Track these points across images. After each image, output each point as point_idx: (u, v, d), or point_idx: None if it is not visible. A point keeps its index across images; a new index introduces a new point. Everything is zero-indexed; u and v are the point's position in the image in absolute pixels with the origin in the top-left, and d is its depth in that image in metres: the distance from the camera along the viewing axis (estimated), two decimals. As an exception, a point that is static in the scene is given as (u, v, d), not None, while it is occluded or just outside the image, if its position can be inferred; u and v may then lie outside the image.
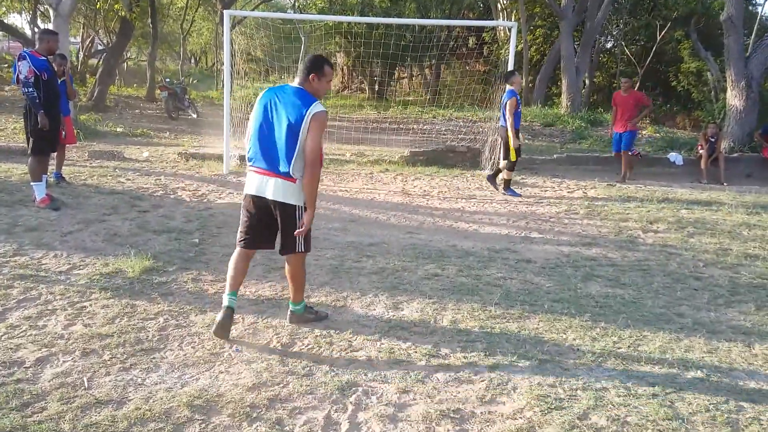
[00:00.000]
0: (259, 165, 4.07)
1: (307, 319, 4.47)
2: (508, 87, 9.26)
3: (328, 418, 3.26)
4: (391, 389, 3.56)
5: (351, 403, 3.41)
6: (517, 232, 7.21)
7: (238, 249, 4.29)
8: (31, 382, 3.45)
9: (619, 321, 4.66)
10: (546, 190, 9.87)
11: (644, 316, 4.80)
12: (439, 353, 4.04)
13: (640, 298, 5.19)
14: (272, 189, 4.04)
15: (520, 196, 9.31)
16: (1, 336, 3.98)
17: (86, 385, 3.45)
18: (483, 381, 3.68)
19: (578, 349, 4.15)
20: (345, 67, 31.90)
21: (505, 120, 9.15)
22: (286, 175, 3.98)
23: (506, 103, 9.05)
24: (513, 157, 9.18)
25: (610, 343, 4.27)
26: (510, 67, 10.43)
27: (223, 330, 4.09)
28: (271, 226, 4.22)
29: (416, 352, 4.05)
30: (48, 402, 3.25)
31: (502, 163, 9.46)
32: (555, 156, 12.55)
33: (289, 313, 4.47)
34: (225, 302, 4.13)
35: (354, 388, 3.56)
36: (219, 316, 4.11)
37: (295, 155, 3.94)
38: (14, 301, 4.55)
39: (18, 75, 6.88)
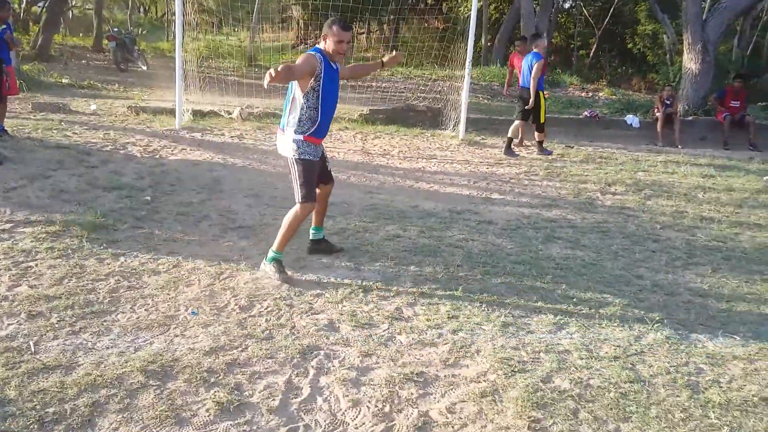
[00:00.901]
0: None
1: (266, 272, 4.48)
2: (533, 49, 9.37)
3: (289, 382, 3.16)
4: (354, 352, 3.49)
5: (312, 367, 3.32)
6: (478, 193, 7.17)
7: None
8: (-28, 347, 3.25)
9: (580, 283, 4.68)
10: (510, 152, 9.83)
11: (604, 278, 4.82)
12: (402, 315, 3.98)
13: (599, 260, 5.22)
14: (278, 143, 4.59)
15: (551, 153, 9.64)
16: (-61, 298, 3.75)
17: (33, 349, 3.27)
18: (446, 344, 3.63)
19: (540, 312, 4.14)
20: (301, 21, 31.10)
21: (527, 82, 9.28)
22: (281, 128, 4.49)
23: (534, 65, 9.12)
24: (543, 118, 9.52)
25: (571, 305, 4.28)
26: (472, 25, 10.25)
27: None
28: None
29: (378, 314, 3.98)
30: (-9, 368, 3.07)
31: (536, 135, 9.70)
32: (514, 117, 12.49)
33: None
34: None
35: (315, 352, 3.47)
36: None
37: (288, 108, 4.38)
38: (-47, 260, 4.29)
39: None
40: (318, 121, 4.35)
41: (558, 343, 3.73)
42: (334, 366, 3.34)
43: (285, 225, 4.48)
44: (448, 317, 3.97)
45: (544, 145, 9.80)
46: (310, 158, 4.42)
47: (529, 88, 9.32)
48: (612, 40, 24.93)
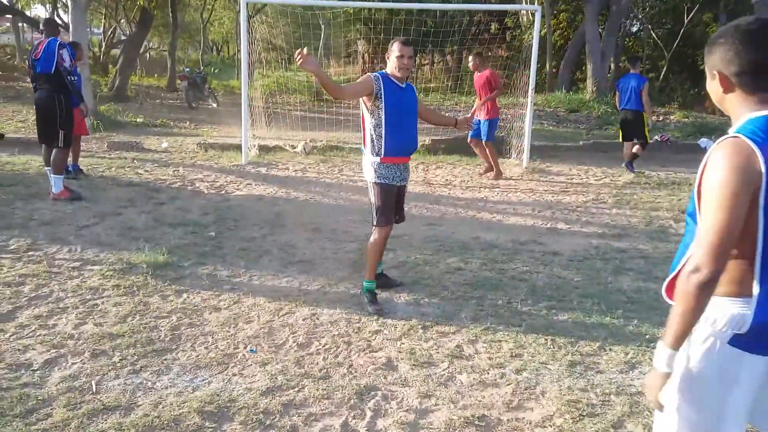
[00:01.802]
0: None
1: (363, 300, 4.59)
2: (633, 71, 9.87)
3: (345, 425, 3.08)
4: (412, 393, 3.38)
5: (369, 408, 3.23)
6: (543, 223, 6.96)
7: None
8: (37, 386, 3.31)
9: (653, 318, 4.42)
10: (572, 178, 9.57)
11: (679, 313, 4.54)
12: (463, 354, 3.84)
13: (674, 293, 4.93)
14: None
15: (634, 172, 9.86)
16: (10, 336, 3.86)
17: (94, 389, 3.31)
18: (510, 384, 3.47)
19: (610, 350, 3.92)
20: (366, 55, 31.62)
21: (639, 104, 9.58)
22: (363, 152, 4.62)
23: (643, 87, 9.53)
24: (648, 138, 10.02)
25: (644, 342, 4.04)
26: (534, 52, 10.11)
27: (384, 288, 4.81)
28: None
29: (438, 352, 3.85)
30: (54, 408, 3.11)
31: (636, 148, 9.88)
32: (581, 143, 12.23)
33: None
34: None
35: (373, 393, 3.38)
36: None
37: (362, 132, 4.51)
38: (25, 298, 4.43)
39: (61, 62, 6.81)
40: (385, 139, 4.41)
41: (630, 384, 3.50)
42: (391, 408, 3.24)
43: (368, 253, 4.63)
44: (512, 356, 3.81)
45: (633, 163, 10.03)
46: (387, 182, 4.50)
47: (632, 110, 9.70)
48: (683, 63, 24.18)
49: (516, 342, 3.98)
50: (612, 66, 22.75)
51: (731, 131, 1.79)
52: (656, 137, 12.71)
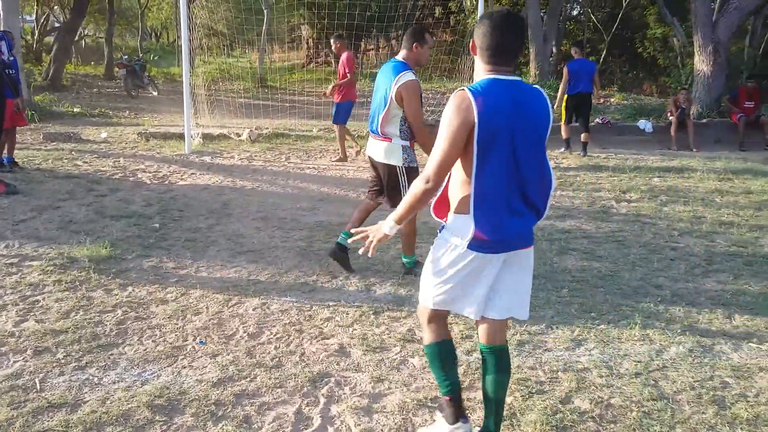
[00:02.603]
0: (370, 129, 4.81)
1: (415, 273, 4.78)
2: (580, 56, 10.58)
3: (299, 413, 3.07)
4: (365, 378, 3.39)
5: (323, 395, 3.23)
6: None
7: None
8: (-23, 387, 3.20)
9: (597, 296, 4.55)
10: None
11: (622, 290, 4.69)
12: (415, 338, 3.88)
13: (617, 271, 5.09)
14: (374, 150, 4.75)
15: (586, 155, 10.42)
16: (-55, 337, 3.71)
17: (38, 387, 3.21)
18: (461, 365, 3.52)
19: (557, 328, 4.02)
20: (310, 40, 31.28)
21: (591, 87, 10.32)
22: (376, 134, 4.66)
23: (595, 71, 10.40)
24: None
25: (589, 320, 4.15)
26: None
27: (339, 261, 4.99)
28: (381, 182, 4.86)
29: (390, 337, 3.88)
30: (-5, 408, 3.01)
31: (585, 135, 10.48)
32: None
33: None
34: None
35: (326, 379, 3.38)
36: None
37: (381, 117, 4.53)
38: (-40, 297, 4.26)
39: None
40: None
41: (576, 361, 3.61)
42: (345, 393, 3.25)
43: (406, 233, 4.83)
44: (462, 337, 3.87)
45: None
46: (416, 164, 4.64)
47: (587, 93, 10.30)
48: (622, 46, 24.75)
49: (466, 323, 4.04)
50: (554, 50, 23.12)
51: (459, 89, 2.46)
52: (597, 120, 13.02)
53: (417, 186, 2.49)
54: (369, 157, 4.90)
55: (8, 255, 5.05)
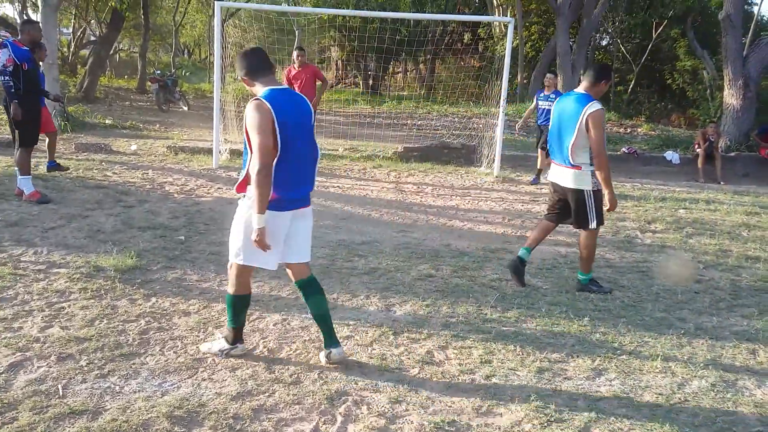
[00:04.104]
0: (553, 158, 5.20)
1: (590, 290, 5.16)
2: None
3: (315, 430, 3.08)
4: (383, 399, 3.39)
5: (340, 413, 3.23)
6: (513, 231, 7.05)
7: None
8: (2, 390, 3.25)
9: (619, 326, 4.50)
10: (542, 188, 9.70)
11: (644, 321, 4.64)
12: (433, 360, 3.87)
13: (639, 302, 5.04)
14: (561, 177, 5.08)
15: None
16: (-27, 339, 3.78)
17: (61, 393, 3.26)
18: (479, 390, 3.51)
19: (578, 357, 3.98)
20: (339, 61, 31.65)
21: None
22: (565, 163, 4.99)
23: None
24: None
25: (610, 350, 4.11)
26: (506, 63, 10.25)
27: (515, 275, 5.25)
28: (566, 206, 5.16)
29: (409, 358, 3.88)
30: (19, 412, 3.06)
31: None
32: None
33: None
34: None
35: (344, 398, 3.39)
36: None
37: (571, 146, 4.86)
38: (-11, 301, 4.35)
39: None
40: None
41: (596, 391, 3.57)
42: (362, 413, 3.25)
43: (587, 251, 5.14)
44: (481, 362, 3.85)
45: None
46: (600, 187, 4.95)
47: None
48: (650, 77, 24.69)
49: (486, 348, 4.03)
50: (581, 79, 23.11)
51: (254, 99, 3.37)
52: (623, 149, 12.96)
53: (256, 177, 3.29)
54: (552, 183, 5.22)
55: (36, 261, 5.16)
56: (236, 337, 3.78)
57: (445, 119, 17.13)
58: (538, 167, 10.01)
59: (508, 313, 4.63)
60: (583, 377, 3.73)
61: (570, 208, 5.10)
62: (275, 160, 3.35)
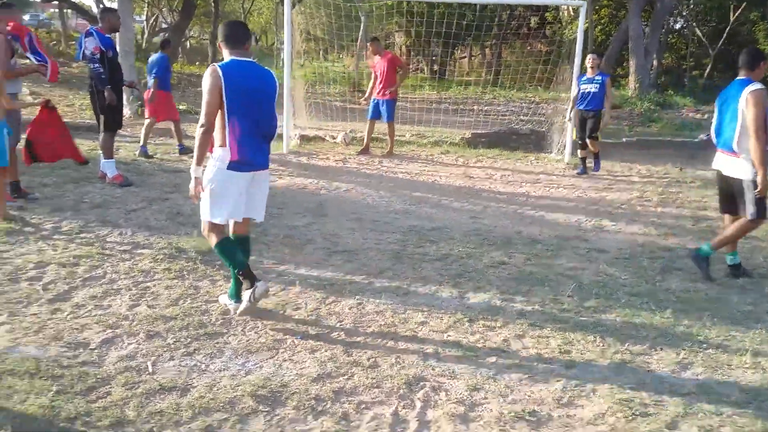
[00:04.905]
0: (717, 145, 5.21)
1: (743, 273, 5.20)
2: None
3: (395, 414, 3.10)
4: (461, 386, 3.38)
5: (419, 399, 3.24)
6: (587, 219, 6.88)
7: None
8: (96, 365, 3.40)
9: (704, 319, 4.34)
10: (616, 175, 9.45)
11: (731, 314, 4.46)
12: (510, 348, 3.83)
13: (725, 294, 4.85)
14: (724, 164, 5.11)
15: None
16: (68, 315, 3.97)
17: (150, 369, 3.38)
18: (559, 381, 3.46)
19: (661, 349, 3.87)
20: (403, 47, 31.53)
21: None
22: (728, 149, 5.00)
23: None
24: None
25: (696, 343, 3.97)
26: (578, 48, 9.98)
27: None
28: (730, 195, 5.14)
29: (485, 346, 3.85)
30: (112, 387, 3.19)
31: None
32: (624, 140, 12.06)
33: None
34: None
35: (421, 383, 3.39)
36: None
37: (736, 133, 4.87)
38: (80, 279, 4.55)
39: (84, 51, 6.90)
40: None
41: (682, 385, 3.46)
42: (441, 399, 3.25)
43: (734, 231, 5.09)
44: (560, 352, 3.79)
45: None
46: None
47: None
48: (728, 60, 23.61)
49: (564, 338, 3.96)
50: (655, 63, 22.32)
51: (211, 65, 3.84)
52: (702, 136, 12.46)
53: (198, 133, 3.74)
54: (717, 171, 5.25)
55: (122, 242, 5.36)
56: (251, 277, 3.96)
57: (512, 105, 16.85)
58: (594, 151, 9.37)
59: (586, 303, 4.53)
60: (667, 371, 3.62)
61: (732, 194, 5.11)
62: (229, 123, 3.76)
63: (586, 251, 5.72)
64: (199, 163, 3.77)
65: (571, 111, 9.77)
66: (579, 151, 9.44)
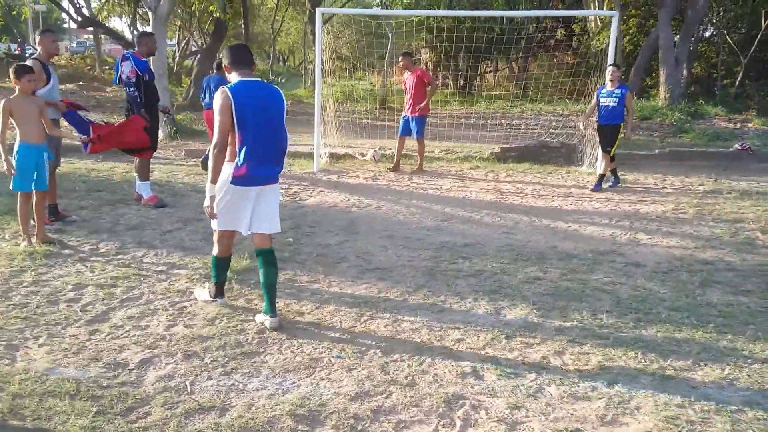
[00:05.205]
0: None
1: None
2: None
3: (435, 433, 3.06)
4: (501, 404, 3.33)
5: (459, 417, 3.20)
6: (622, 233, 6.78)
7: None
8: (135, 386, 3.43)
9: (748, 333, 4.23)
10: (649, 187, 9.31)
11: (776, 329, 4.34)
12: (550, 365, 3.77)
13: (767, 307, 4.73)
14: None
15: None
16: (106, 336, 4.02)
17: (189, 389, 3.40)
18: (601, 398, 3.39)
19: (705, 365, 3.77)
20: (429, 63, 31.62)
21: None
22: None
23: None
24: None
25: (740, 357, 3.87)
26: (610, 58, 9.89)
27: None
28: None
29: (524, 363, 3.80)
30: (152, 407, 3.22)
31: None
32: (656, 151, 11.88)
33: None
34: None
35: (461, 401, 3.35)
36: None
37: None
38: (117, 300, 4.61)
39: (120, 75, 7.04)
40: None
41: (728, 401, 3.36)
42: (481, 417, 3.21)
43: None
44: (601, 368, 3.72)
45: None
46: None
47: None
48: (760, 68, 23.19)
49: (605, 355, 3.88)
50: (685, 72, 22.01)
51: (221, 87, 4.02)
52: (736, 145, 12.25)
53: (213, 153, 3.93)
54: None
55: (158, 263, 5.43)
56: (218, 293, 4.50)
57: (541, 118, 16.74)
58: (600, 172, 9.18)
59: (625, 318, 4.45)
60: (713, 386, 3.53)
61: None
62: (239, 140, 3.94)
63: (623, 265, 5.63)
64: (213, 181, 3.96)
65: (585, 121, 9.72)
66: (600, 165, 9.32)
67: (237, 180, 4.00)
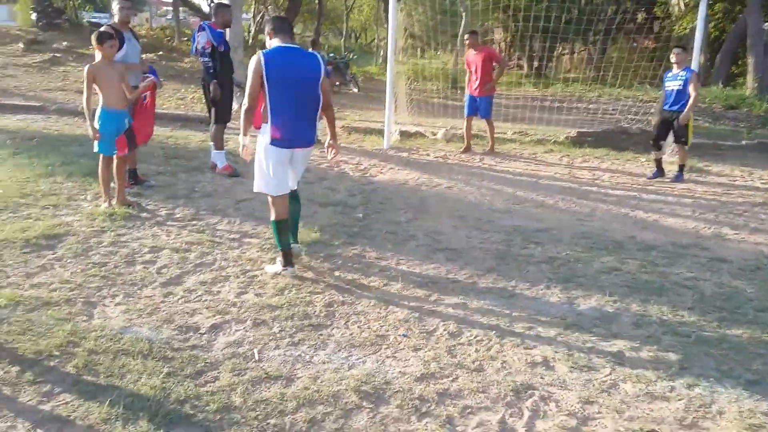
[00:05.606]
0: None
1: None
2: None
3: (502, 422, 2.97)
4: (573, 397, 3.21)
5: (527, 408, 3.10)
6: (706, 226, 6.44)
7: None
8: (205, 350, 3.47)
9: None
10: (735, 180, 8.82)
11: None
12: (625, 360, 3.61)
13: None
14: None
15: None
16: (179, 299, 4.09)
17: (257, 357, 3.42)
18: (681, 399, 3.22)
19: (796, 372, 3.53)
20: (503, 43, 30.94)
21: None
22: None
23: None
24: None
25: (836, 367, 3.61)
26: (697, 44, 9.37)
27: None
28: None
29: (598, 356, 3.64)
30: (220, 372, 3.25)
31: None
32: (744, 142, 11.26)
33: None
34: None
35: (530, 392, 3.25)
36: None
37: None
38: (191, 264, 4.69)
39: (196, 45, 7.12)
40: None
41: (822, 413, 3.14)
42: (551, 410, 3.09)
43: None
44: (681, 368, 3.53)
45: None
46: None
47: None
48: None
49: (685, 353, 3.69)
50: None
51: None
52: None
53: (242, 111, 4.26)
54: None
55: (231, 231, 5.50)
56: (287, 261, 4.52)
57: (619, 103, 16.12)
58: (680, 163, 8.62)
59: (708, 317, 4.21)
60: (805, 396, 3.30)
61: None
62: (271, 103, 4.23)
63: (707, 260, 5.34)
64: (244, 132, 4.29)
65: (658, 108, 9.20)
66: (653, 152, 8.86)
67: (275, 142, 4.29)
